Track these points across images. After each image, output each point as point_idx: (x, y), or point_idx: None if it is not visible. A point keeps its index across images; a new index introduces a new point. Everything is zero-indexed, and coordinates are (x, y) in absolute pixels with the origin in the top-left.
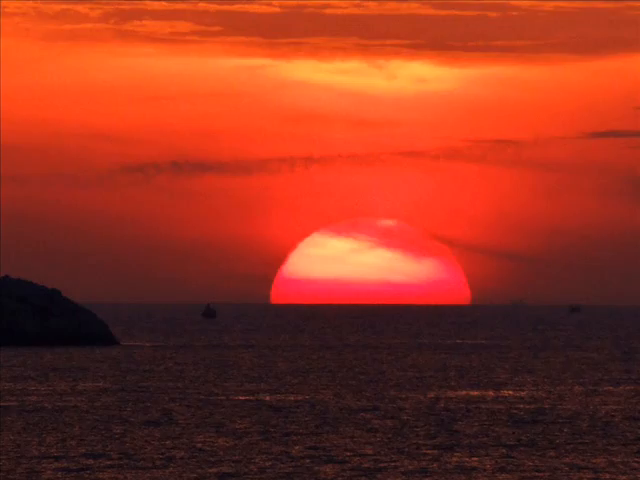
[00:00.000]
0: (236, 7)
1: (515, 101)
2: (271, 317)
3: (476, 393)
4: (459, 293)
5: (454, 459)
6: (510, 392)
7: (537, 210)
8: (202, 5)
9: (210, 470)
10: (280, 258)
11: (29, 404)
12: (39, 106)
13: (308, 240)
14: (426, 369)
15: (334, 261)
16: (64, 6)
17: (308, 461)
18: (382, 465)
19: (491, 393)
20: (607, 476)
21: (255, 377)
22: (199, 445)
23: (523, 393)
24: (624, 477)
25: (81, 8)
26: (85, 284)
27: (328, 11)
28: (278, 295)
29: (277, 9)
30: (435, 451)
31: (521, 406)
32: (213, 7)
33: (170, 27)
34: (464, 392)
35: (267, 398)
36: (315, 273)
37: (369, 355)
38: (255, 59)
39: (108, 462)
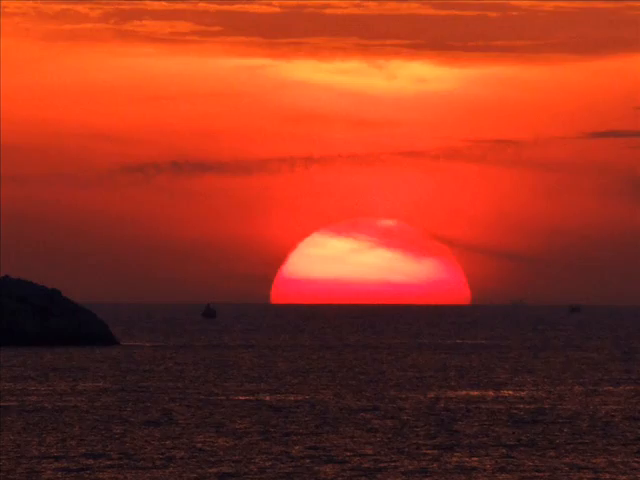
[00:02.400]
0: (236, 7)
1: (515, 101)
2: (271, 317)
3: (476, 393)
4: (459, 293)
5: (454, 459)
6: (510, 392)
7: (537, 210)
8: (202, 5)
9: (210, 470)
10: (280, 258)
11: (29, 404)
12: (39, 106)
13: (308, 240)
14: (426, 369)
15: (334, 261)
16: (64, 6)
17: (308, 461)
18: (382, 465)
19: (491, 393)
20: (607, 476)
21: (255, 377)
22: (199, 445)
23: (523, 393)
24: (624, 477)
25: (81, 8)
26: (85, 284)
27: (328, 11)
28: (278, 295)
29: (277, 9)
30: (435, 451)
31: (521, 406)
32: (213, 7)
33: (170, 27)
34: (464, 392)
35: (267, 398)
36: (315, 273)
37: (369, 355)
38: (255, 59)
39: (108, 462)
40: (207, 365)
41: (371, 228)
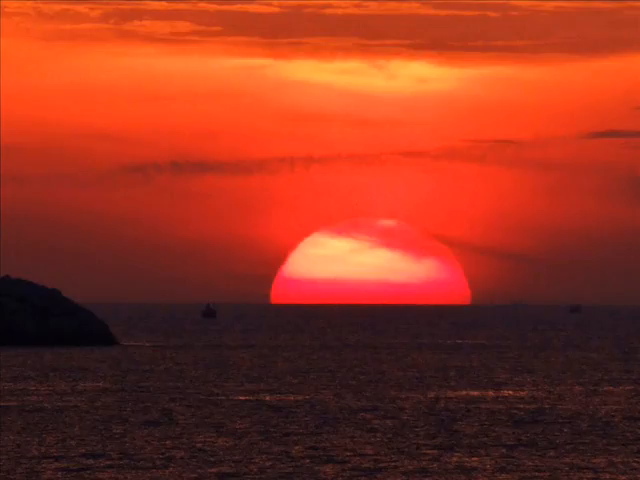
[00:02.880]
0: (236, 7)
1: (515, 101)
2: (271, 317)
3: (476, 393)
4: (459, 293)
5: (454, 459)
6: (510, 392)
7: (537, 210)
8: (202, 5)
9: (210, 470)
10: (280, 258)
11: (29, 404)
12: (39, 106)
13: (308, 240)
14: (426, 369)
15: (334, 261)
16: (64, 6)
17: (308, 461)
18: (382, 465)
19: (491, 393)
20: (607, 476)
21: (255, 377)
22: (199, 445)
23: (523, 393)
24: (624, 477)
25: (81, 8)
26: (85, 284)
27: (328, 11)
28: (278, 295)
29: (277, 9)
30: (435, 451)
31: (521, 406)
32: (213, 7)
33: (170, 27)
34: (464, 392)
35: (267, 398)
36: (315, 273)
37: (369, 355)
38: (255, 59)
39: (108, 462)
40: (207, 365)
41: (371, 228)
